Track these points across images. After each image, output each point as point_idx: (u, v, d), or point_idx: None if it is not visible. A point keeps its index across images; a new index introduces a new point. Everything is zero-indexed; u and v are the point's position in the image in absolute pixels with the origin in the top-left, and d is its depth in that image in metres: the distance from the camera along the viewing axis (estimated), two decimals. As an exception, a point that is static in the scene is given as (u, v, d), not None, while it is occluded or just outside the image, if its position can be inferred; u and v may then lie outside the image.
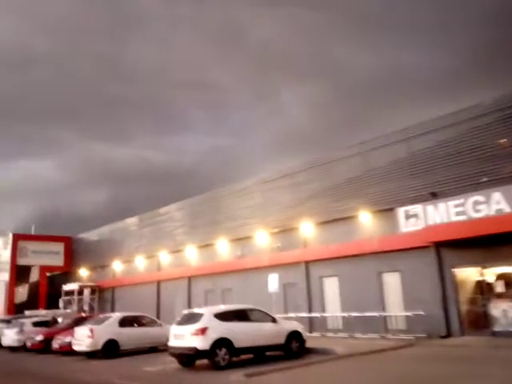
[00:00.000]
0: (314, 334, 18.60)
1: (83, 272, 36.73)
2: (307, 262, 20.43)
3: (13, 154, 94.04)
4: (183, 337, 12.74)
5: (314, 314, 19.49)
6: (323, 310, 19.46)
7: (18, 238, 39.31)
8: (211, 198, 26.60)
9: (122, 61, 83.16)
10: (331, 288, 19.44)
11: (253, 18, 76.23)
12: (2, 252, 40.37)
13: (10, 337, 22.41)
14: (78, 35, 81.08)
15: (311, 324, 19.42)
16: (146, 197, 67.01)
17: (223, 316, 13.09)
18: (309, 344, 14.34)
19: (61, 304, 33.87)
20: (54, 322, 23.44)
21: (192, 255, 27.00)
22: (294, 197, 21.44)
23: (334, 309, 19.10)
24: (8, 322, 25.17)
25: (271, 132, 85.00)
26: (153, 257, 29.91)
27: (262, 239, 22.47)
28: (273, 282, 18.61)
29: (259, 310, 14.21)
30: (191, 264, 26.93)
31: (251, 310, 14.14)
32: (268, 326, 13.74)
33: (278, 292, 18.74)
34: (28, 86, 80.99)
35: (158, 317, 23.77)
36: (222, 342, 12.42)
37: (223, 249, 24.85)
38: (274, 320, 14.04)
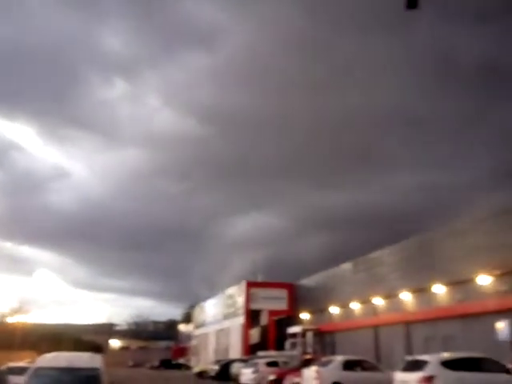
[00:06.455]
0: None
1: (304, 316, 39.09)
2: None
3: (245, 208, 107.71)
4: (408, 384, 12.81)
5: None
6: None
7: (249, 285, 44.70)
8: (424, 239, 26.02)
9: (338, 110, 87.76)
10: None
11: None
12: (237, 298, 46.32)
13: (247, 376, 25.54)
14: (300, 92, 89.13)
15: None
16: (358, 240, 67.97)
17: (452, 364, 12.60)
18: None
19: (287, 346, 36.42)
20: (284, 362, 25.77)
21: (408, 300, 26.47)
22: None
23: None
24: (245, 361, 28.73)
25: (494, 157, 77.76)
26: (368, 302, 30.23)
27: (485, 282, 20.83)
28: (502, 329, 17.16)
29: (492, 360, 13.22)
30: (408, 309, 26.35)
31: (483, 358, 13.23)
32: (503, 378, 12.76)
33: (509, 340, 17.08)
34: (254, 147, 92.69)
35: (377, 362, 23.75)
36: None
37: (441, 293, 23.77)
38: (508, 371, 13.01)
